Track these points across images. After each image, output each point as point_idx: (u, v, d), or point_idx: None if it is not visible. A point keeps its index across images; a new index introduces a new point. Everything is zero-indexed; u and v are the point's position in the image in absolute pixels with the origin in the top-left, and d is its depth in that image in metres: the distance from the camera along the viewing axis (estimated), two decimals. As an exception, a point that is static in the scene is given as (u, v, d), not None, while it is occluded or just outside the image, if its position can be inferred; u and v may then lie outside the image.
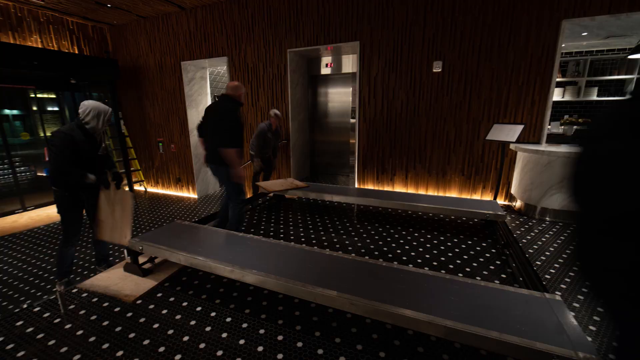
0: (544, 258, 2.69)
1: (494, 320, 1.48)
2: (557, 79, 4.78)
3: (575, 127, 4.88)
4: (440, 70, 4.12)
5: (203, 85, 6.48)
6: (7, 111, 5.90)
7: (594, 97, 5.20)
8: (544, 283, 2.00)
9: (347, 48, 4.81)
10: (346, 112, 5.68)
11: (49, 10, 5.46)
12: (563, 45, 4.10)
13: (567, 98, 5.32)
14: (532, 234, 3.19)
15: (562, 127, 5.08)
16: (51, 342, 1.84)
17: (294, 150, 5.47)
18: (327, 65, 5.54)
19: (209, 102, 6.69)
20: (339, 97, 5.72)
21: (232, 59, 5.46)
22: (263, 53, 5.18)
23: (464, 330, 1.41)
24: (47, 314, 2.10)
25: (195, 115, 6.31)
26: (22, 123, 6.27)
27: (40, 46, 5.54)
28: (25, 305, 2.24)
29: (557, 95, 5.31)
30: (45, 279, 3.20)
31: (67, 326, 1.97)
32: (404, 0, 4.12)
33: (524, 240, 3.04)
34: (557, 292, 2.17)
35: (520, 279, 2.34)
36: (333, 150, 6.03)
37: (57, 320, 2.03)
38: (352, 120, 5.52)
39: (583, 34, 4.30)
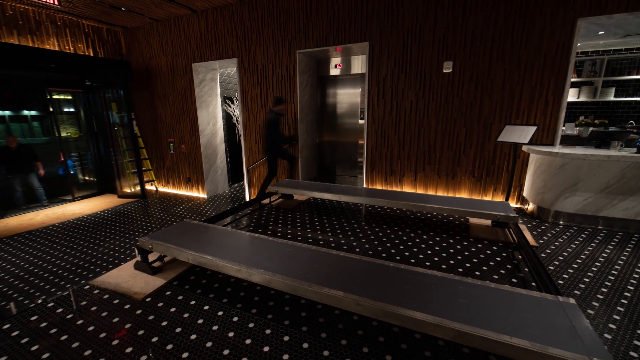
0: (557, 262, 2.62)
1: (505, 323, 1.44)
2: (572, 79, 4.67)
3: (591, 128, 4.75)
4: (450, 70, 4.07)
5: (213, 86, 6.57)
6: (25, 112, 6.10)
7: (611, 98, 5.05)
8: (557, 287, 1.94)
9: (356, 49, 4.80)
10: (355, 113, 5.66)
11: (65, 14, 5.62)
12: (578, 44, 4.00)
13: (582, 99, 5.19)
14: (545, 237, 3.11)
15: (577, 128, 4.94)
16: (63, 337, 1.88)
17: (303, 151, 5.48)
18: (336, 66, 5.54)
19: (219, 103, 6.78)
20: (348, 98, 5.71)
21: (242, 60, 5.51)
22: (272, 54, 5.22)
23: (472, 333, 1.38)
24: (60, 310, 2.15)
25: (205, 116, 6.39)
26: (40, 124, 6.48)
27: (57, 49, 5.71)
28: (39, 301, 2.30)
29: (572, 95, 5.19)
30: (60, 275, 3.28)
31: (79, 322, 2.01)
32: (413, 0, 4.09)
33: (536, 244, 2.97)
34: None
35: (533, 283, 2.28)
36: (341, 151, 6.02)
37: (69, 316, 2.08)
38: (361, 121, 5.50)
39: (600, 32, 4.18)
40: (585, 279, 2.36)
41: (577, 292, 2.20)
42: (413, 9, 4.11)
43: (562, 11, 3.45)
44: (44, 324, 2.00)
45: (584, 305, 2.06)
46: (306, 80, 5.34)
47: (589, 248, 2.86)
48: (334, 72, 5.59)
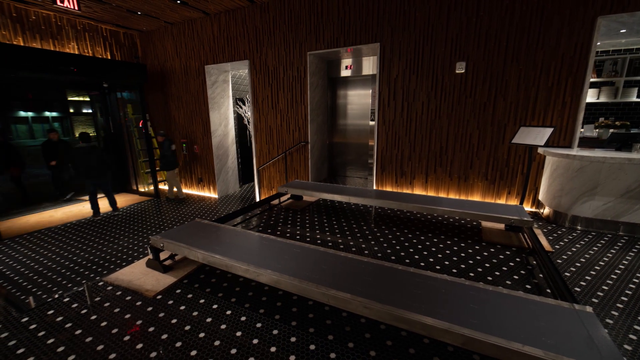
0: (573, 269, 2.53)
1: (517, 330, 1.40)
2: (592, 79, 4.52)
3: (611, 130, 4.58)
4: (463, 71, 4.00)
5: (225, 88, 6.66)
6: (47, 113, 6.34)
7: (634, 98, 4.86)
8: (573, 294, 1.87)
9: (367, 50, 4.78)
10: (365, 114, 5.64)
11: (85, 18, 5.82)
12: (598, 43, 3.87)
13: (602, 99, 5.01)
14: (561, 242, 3.01)
15: (597, 130, 4.77)
16: (78, 332, 1.93)
17: (312, 152, 5.49)
18: (346, 67, 5.53)
19: (230, 104, 6.87)
20: (358, 99, 5.69)
21: (254, 62, 5.57)
22: (283, 56, 5.25)
23: (483, 340, 1.35)
24: (75, 305, 2.21)
25: (217, 117, 6.49)
26: (60, 124, 6.72)
27: (77, 52, 5.91)
28: (56, 296, 2.37)
29: (591, 96, 5.01)
30: (76, 271, 3.39)
31: (93, 317, 2.07)
32: (426, 0, 4.04)
33: (552, 250, 2.88)
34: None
35: (548, 290, 2.21)
36: (351, 153, 6.00)
37: (84, 311, 2.14)
38: (371, 123, 5.47)
39: (621, 31, 4.03)
40: (604, 287, 2.27)
41: (595, 301, 2.12)
42: (425, 9, 4.07)
43: (581, 9, 3.35)
44: (59, 318, 2.07)
45: (602, 315, 1.97)
46: (316, 81, 5.35)
47: (609, 255, 2.75)
48: (345, 73, 5.59)
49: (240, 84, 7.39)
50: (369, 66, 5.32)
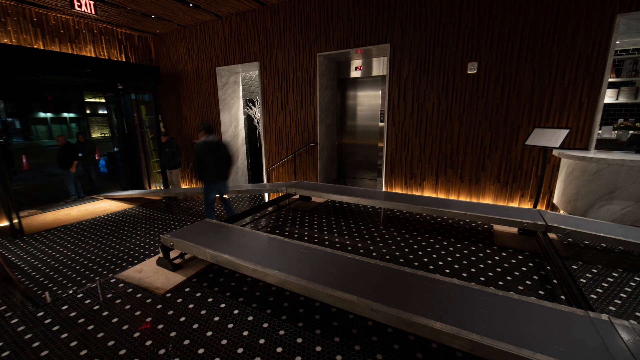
0: (589, 275, 2.45)
1: (528, 337, 1.36)
2: (610, 79, 4.36)
3: (631, 132, 4.41)
4: (475, 71, 3.93)
5: (236, 89, 6.74)
6: (65, 114, 6.54)
7: (655, 99, 4.67)
8: (589, 301, 1.81)
9: (377, 51, 4.76)
10: (375, 115, 5.61)
11: (101, 22, 5.99)
12: (617, 42, 3.74)
13: (622, 100, 4.84)
14: (577, 248, 2.92)
15: (616, 131, 4.61)
16: (90, 327, 1.98)
17: (321, 153, 5.49)
18: (356, 68, 5.52)
19: (241, 106, 6.94)
20: (368, 100, 5.66)
21: (264, 64, 5.62)
22: (293, 57, 5.28)
23: (492, 346, 1.32)
24: (88, 301, 2.27)
25: (227, 118, 6.56)
26: (77, 125, 6.91)
27: (93, 55, 6.08)
28: (70, 292, 2.44)
29: (609, 97, 4.85)
30: (89, 267, 3.47)
31: (105, 313, 2.12)
32: (437, 0, 4.00)
33: (567, 255, 2.79)
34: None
35: (562, 297, 2.14)
36: (361, 154, 5.98)
37: (96, 307, 2.19)
38: (381, 124, 5.44)
39: (642, 29, 3.89)
40: (622, 295, 2.19)
41: (612, 309, 2.04)
42: (436, 9, 4.02)
43: (599, 7, 3.25)
44: (73, 314, 2.12)
45: (618, 323, 1.90)
46: (326, 82, 5.35)
47: (627, 261, 2.65)
48: (355, 74, 5.57)
49: (250, 86, 7.46)
50: (379, 67, 5.29)
